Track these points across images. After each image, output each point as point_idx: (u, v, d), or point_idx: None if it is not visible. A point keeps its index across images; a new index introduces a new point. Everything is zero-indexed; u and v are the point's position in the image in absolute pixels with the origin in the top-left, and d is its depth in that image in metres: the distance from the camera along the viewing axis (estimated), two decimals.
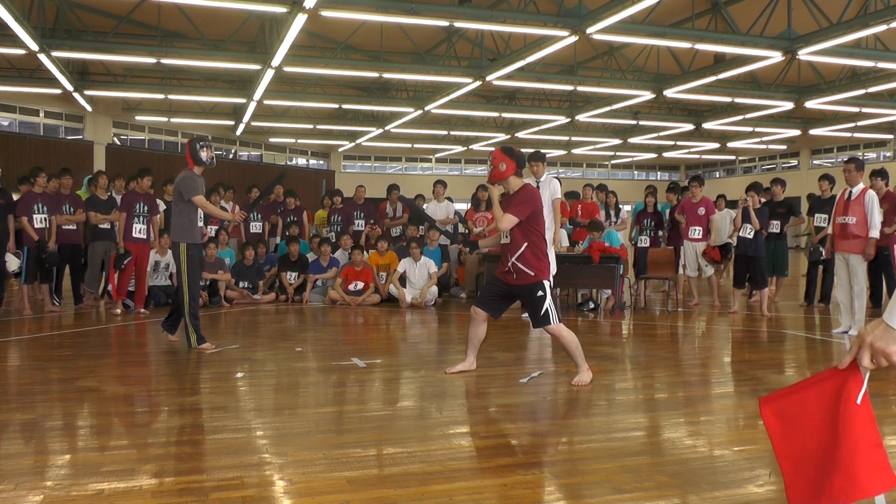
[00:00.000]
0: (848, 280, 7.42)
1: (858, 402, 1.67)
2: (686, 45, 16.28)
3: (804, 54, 15.29)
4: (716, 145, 32.29)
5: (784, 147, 34.06)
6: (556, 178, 8.81)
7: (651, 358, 6.22)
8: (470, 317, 5.28)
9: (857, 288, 7.33)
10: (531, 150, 7.80)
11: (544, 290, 4.93)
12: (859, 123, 26.10)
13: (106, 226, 9.31)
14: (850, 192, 7.34)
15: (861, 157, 33.34)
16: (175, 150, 28.86)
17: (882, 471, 1.68)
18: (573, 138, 32.11)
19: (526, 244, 4.92)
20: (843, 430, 1.70)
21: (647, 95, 20.51)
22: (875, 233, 7.18)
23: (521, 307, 8.35)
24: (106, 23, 16.88)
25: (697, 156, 37.51)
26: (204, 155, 6.34)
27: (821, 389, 1.76)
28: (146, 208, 9.04)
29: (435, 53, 19.47)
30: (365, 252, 10.26)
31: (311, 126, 29.02)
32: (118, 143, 26.61)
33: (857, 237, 7.23)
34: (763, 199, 9.54)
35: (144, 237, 9.04)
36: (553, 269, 5.22)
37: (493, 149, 5.26)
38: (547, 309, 4.91)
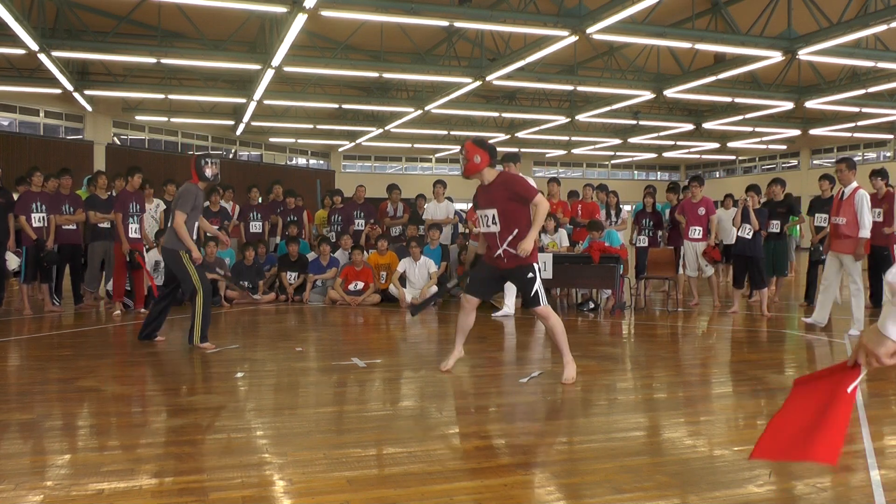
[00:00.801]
0: (833, 279, 7.55)
1: (849, 391, 1.86)
2: (686, 45, 16.27)
3: (804, 54, 15.29)
4: (716, 145, 32.28)
5: (784, 147, 34.06)
6: (541, 176, 8.82)
7: (651, 358, 6.22)
8: (461, 305, 5.36)
9: (854, 287, 7.40)
10: (505, 151, 7.83)
11: (534, 272, 5.05)
12: (859, 123, 26.10)
13: (106, 225, 9.31)
14: (843, 192, 7.39)
15: (861, 157, 33.29)
16: (175, 150, 28.86)
17: (832, 448, 1.89)
18: (573, 138, 32.11)
19: (517, 230, 5.00)
20: (828, 407, 1.89)
21: (647, 95, 20.50)
22: (865, 233, 7.24)
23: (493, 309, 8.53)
24: (106, 23, 16.88)
25: (697, 156, 37.51)
26: (208, 171, 6.41)
27: (830, 373, 1.96)
28: (138, 207, 9.05)
29: (435, 53, 19.47)
30: (365, 252, 10.27)
31: (311, 126, 29.03)
32: (118, 143, 26.61)
33: (848, 237, 7.29)
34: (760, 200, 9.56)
35: (139, 236, 9.05)
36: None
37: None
38: (537, 290, 5.03)
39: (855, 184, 7.36)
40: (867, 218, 7.22)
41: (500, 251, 5.04)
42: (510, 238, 5.00)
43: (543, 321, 5.13)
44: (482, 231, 5.21)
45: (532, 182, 8.24)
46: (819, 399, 1.93)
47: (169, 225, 6.48)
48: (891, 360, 1.69)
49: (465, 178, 5.23)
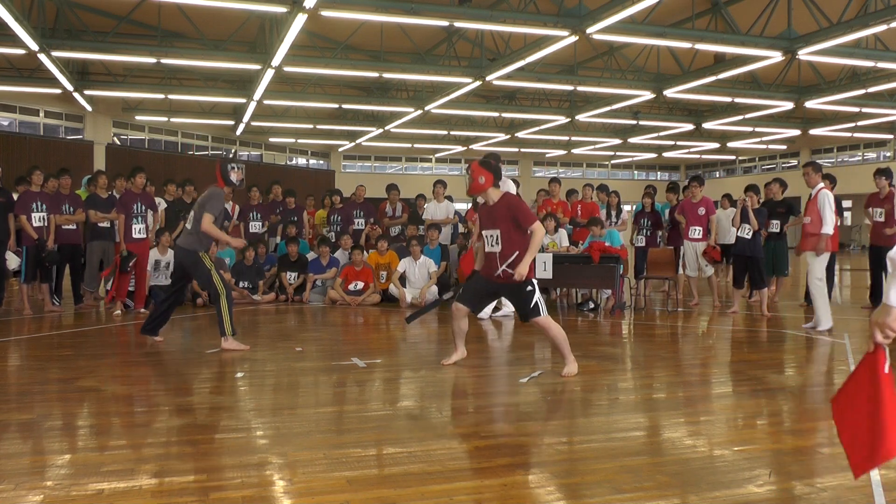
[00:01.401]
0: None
1: (886, 370, 2.07)
2: (686, 45, 16.28)
3: (804, 54, 15.29)
4: (716, 145, 32.28)
5: (784, 147, 34.06)
6: (512, 178, 8.78)
7: (651, 358, 6.22)
8: (451, 314, 5.48)
9: (816, 280, 7.57)
10: (484, 154, 7.84)
11: (532, 286, 5.18)
12: (859, 123, 26.11)
13: (105, 224, 9.31)
14: (811, 193, 7.71)
15: (861, 157, 33.22)
16: (175, 150, 28.86)
17: None
18: (573, 138, 32.11)
19: (517, 253, 5.13)
20: (878, 397, 2.07)
21: (647, 95, 20.50)
22: (828, 229, 7.47)
23: (494, 309, 8.52)
24: (106, 23, 16.88)
25: (697, 156, 37.52)
26: (234, 176, 6.43)
27: (859, 372, 2.16)
28: (143, 207, 9.04)
29: (435, 53, 19.47)
30: (365, 252, 10.26)
31: (311, 126, 29.04)
32: (118, 143, 26.61)
33: (812, 235, 7.56)
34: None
35: (144, 237, 9.04)
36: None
37: (474, 160, 5.51)
38: (536, 302, 5.16)
39: (821, 185, 7.69)
40: (829, 215, 7.51)
41: (499, 271, 5.17)
42: (510, 260, 5.13)
43: (545, 332, 5.23)
44: (486, 250, 5.32)
45: (512, 187, 8.29)
46: (864, 395, 2.07)
47: (187, 226, 6.44)
48: None
49: (469, 196, 5.39)
